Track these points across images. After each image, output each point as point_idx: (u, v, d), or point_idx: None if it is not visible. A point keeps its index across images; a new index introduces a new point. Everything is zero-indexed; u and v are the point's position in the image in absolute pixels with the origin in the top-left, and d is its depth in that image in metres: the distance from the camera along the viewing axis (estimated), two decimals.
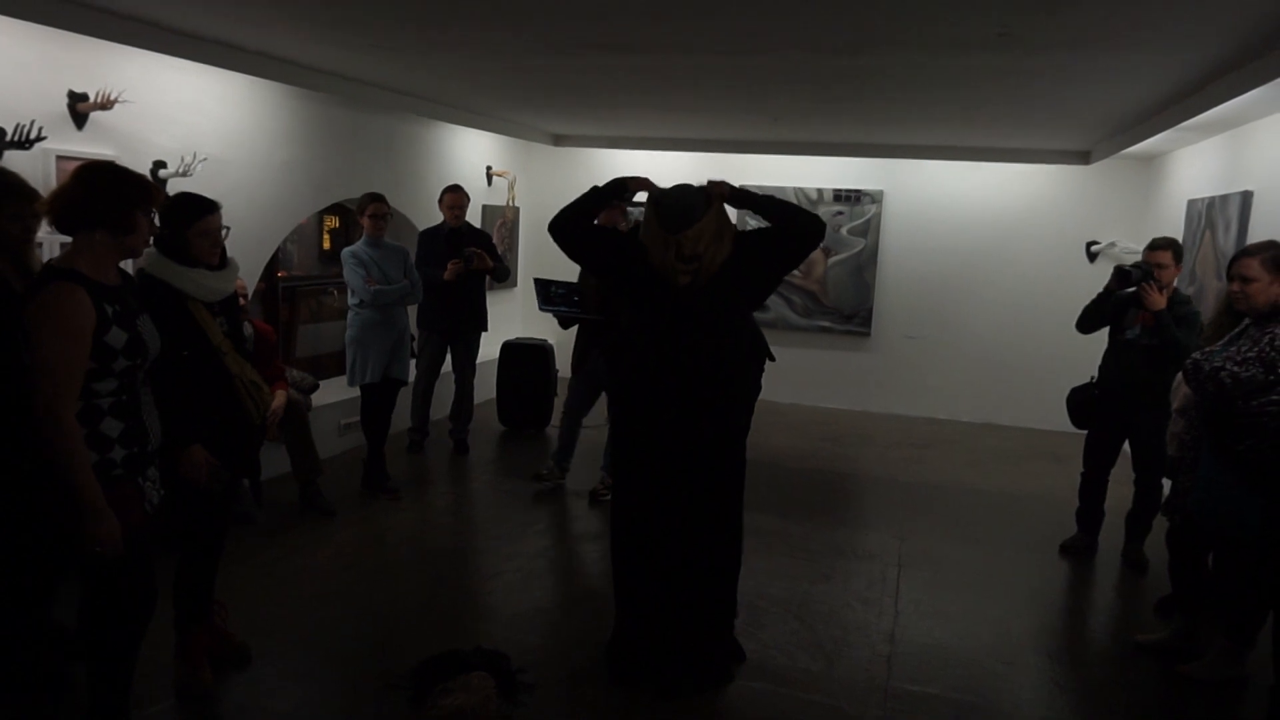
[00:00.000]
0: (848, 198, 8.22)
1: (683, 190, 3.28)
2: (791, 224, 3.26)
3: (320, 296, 7.29)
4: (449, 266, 5.76)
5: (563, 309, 5.30)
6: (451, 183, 6.25)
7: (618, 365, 3.33)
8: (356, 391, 5.46)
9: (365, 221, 5.24)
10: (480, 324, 6.18)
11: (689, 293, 3.16)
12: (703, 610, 3.33)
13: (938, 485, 6.14)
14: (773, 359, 3.39)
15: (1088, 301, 4.72)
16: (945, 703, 3.30)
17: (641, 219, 3.39)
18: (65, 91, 4.07)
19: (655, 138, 8.29)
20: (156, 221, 2.54)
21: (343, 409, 6.04)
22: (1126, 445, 4.72)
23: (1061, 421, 5.26)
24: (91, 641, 2.53)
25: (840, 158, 8.12)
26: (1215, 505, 3.24)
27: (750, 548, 4.61)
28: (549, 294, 5.33)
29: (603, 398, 5.29)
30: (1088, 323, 4.68)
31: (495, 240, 8.11)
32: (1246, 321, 3.25)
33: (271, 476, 5.23)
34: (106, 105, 4.13)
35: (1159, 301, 4.25)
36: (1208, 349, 3.28)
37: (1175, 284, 4.42)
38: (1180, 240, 4.67)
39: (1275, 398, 2.99)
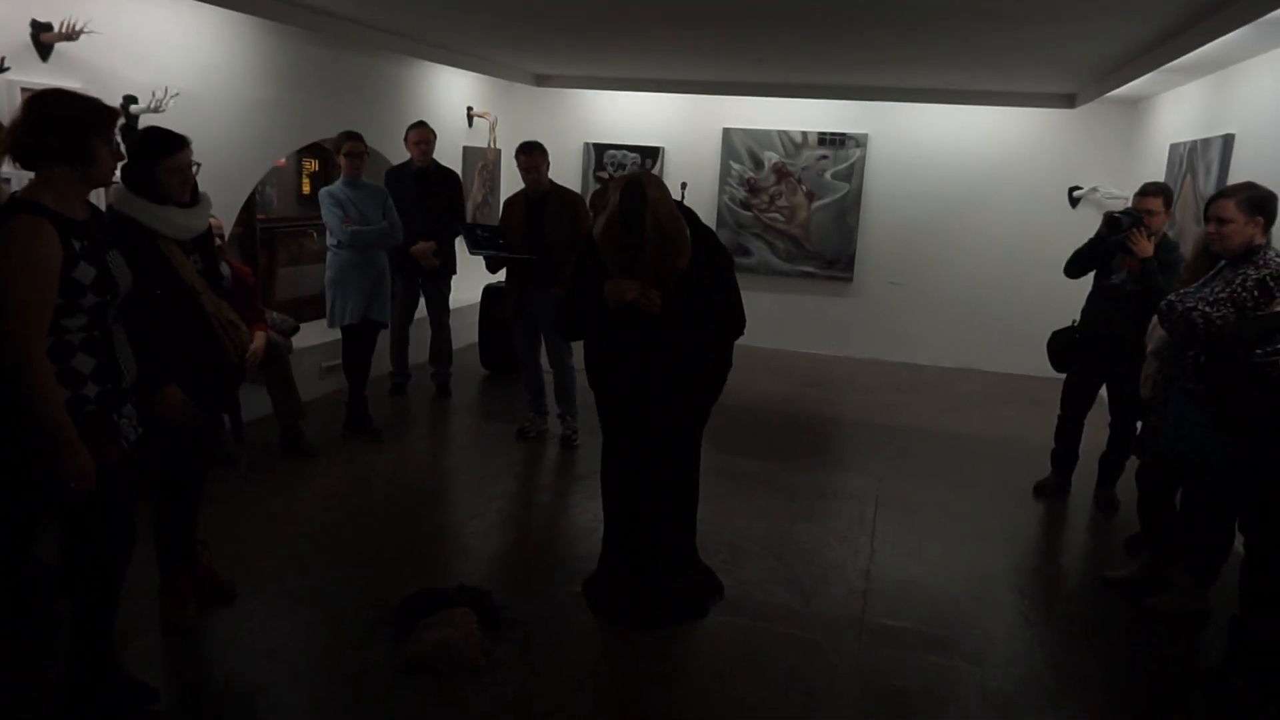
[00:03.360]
0: (832, 141, 8.15)
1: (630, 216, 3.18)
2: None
3: (300, 239, 7.21)
4: (419, 246, 5.75)
5: (490, 251, 5.26)
6: (418, 119, 6.13)
7: (594, 350, 3.42)
8: (338, 334, 5.43)
9: (341, 161, 5.17)
10: (449, 267, 6.13)
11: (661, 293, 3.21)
12: (670, 546, 3.47)
13: (916, 429, 6.21)
14: (741, 333, 3.46)
15: (1068, 246, 4.72)
16: (918, 636, 3.38)
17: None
18: (28, 21, 3.94)
19: (638, 79, 8.16)
20: (121, 148, 2.46)
21: (324, 351, 6.01)
22: (1103, 390, 4.78)
23: (1039, 366, 5.31)
24: (74, 580, 2.54)
25: (824, 100, 8.03)
26: (1184, 444, 3.30)
27: (732, 489, 4.71)
28: (475, 237, 5.28)
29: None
30: (1076, 268, 4.66)
31: (476, 185, 8.03)
32: (1222, 263, 3.28)
33: (253, 419, 5.20)
34: (72, 36, 4.00)
35: (1147, 249, 4.25)
36: (1183, 290, 3.31)
37: (1166, 230, 4.42)
38: (1169, 185, 4.65)
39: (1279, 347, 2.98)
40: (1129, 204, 4.45)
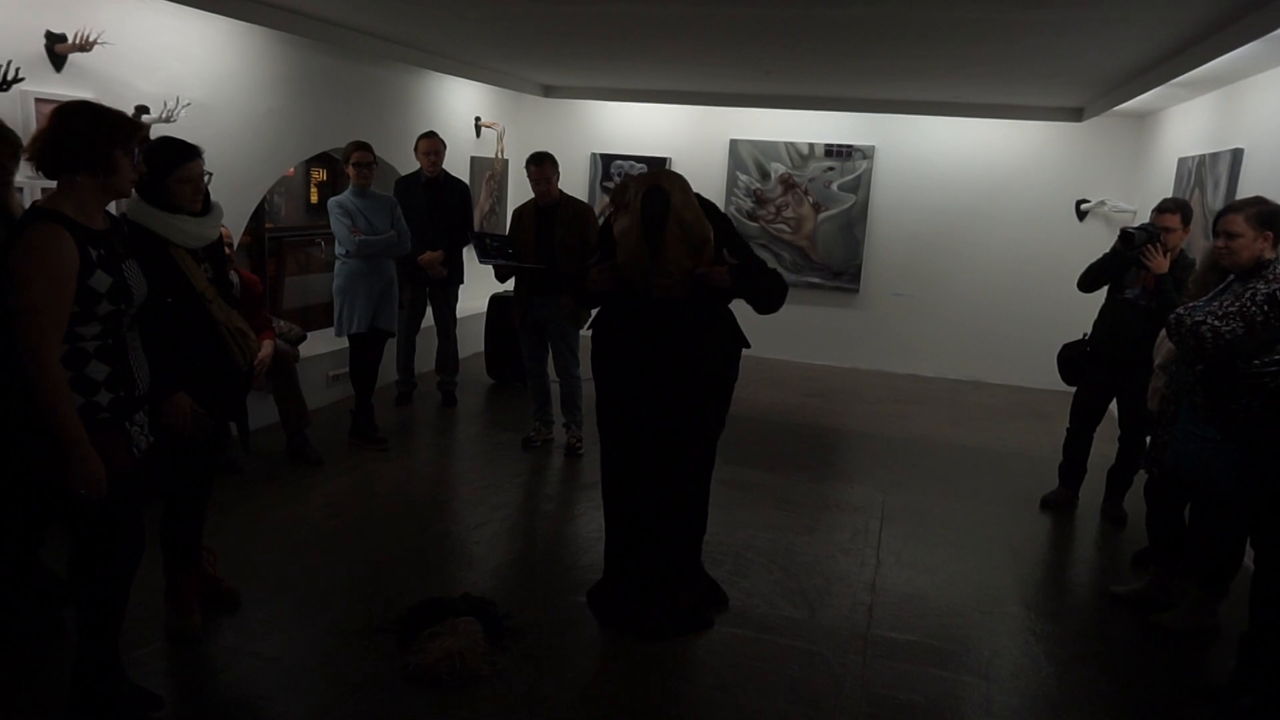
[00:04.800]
0: (839, 153, 8.16)
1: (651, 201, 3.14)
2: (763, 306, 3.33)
3: (308, 248, 7.23)
4: (427, 256, 5.76)
5: (500, 261, 5.28)
6: (428, 129, 6.15)
7: (600, 355, 3.39)
8: (344, 343, 5.45)
9: (350, 170, 5.20)
10: (456, 277, 6.15)
11: (668, 296, 3.19)
12: (676, 557, 3.45)
13: (922, 441, 6.20)
14: (748, 346, 3.45)
15: (1075, 259, 4.71)
16: (923, 649, 3.37)
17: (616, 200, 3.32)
18: (43, 32, 3.98)
19: (646, 90, 8.19)
20: (140, 159, 2.49)
21: (331, 360, 6.03)
22: (1113, 404, 4.75)
23: (1046, 379, 5.30)
24: (80, 586, 2.55)
25: (832, 112, 8.06)
26: (1189, 459, 3.29)
27: (737, 500, 4.70)
28: (485, 246, 5.30)
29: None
30: (1089, 282, 4.62)
31: (483, 195, 8.06)
32: (1231, 277, 3.27)
33: (260, 427, 5.23)
34: (85, 47, 4.04)
35: (1162, 265, 4.22)
36: (1191, 304, 3.30)
37: (1183, 247, 4.40)
38: (1188, 202, 4.58)
39: (1278, 358, 2.97)
40: (1136, 218, 4.42)
